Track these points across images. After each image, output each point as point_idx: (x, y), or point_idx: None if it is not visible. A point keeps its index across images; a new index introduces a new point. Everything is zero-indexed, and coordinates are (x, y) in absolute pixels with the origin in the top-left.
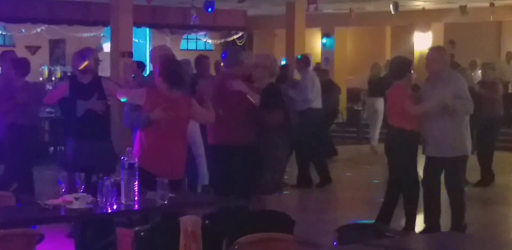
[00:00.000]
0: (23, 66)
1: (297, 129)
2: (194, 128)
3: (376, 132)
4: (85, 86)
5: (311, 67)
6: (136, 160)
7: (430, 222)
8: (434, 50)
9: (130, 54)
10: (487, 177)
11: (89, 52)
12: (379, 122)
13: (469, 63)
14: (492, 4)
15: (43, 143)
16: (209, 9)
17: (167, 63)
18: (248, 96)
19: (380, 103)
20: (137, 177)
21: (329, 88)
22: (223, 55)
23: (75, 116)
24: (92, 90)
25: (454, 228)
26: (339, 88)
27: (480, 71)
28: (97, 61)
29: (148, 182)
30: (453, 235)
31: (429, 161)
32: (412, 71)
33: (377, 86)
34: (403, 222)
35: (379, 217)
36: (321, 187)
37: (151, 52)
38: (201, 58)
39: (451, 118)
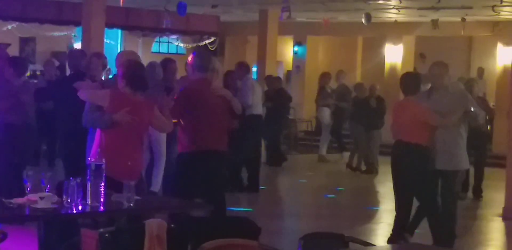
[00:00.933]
0: (21, 65)
1: (236, 134)
2: (161, 138)
3: (327, 142)
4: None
5: (250, 75)
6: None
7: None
8: (439, 66)
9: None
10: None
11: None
12: (328, 132)
13: (477, 71)
14: (463, 19)
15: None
16: (181, 13)
17: (131, 67)
18: (232, 103)
19: (327, 113)
20: (103, 179)
21: (279, 96)
22: (193, 60)
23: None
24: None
25: (445, 240)
26: (290, 97)
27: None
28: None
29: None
30: (420, 247)
31: (433, 175)
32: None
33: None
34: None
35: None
36: (249, 193)
37: (118, 56)
38: (167, 62)
39: (450, 131)
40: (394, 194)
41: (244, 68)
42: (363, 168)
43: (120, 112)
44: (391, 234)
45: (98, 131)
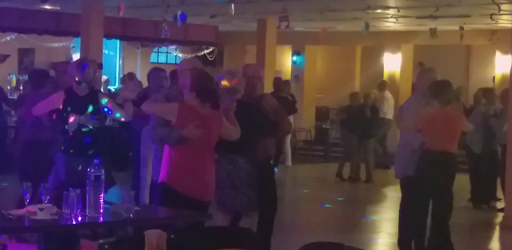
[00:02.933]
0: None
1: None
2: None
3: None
4: (81, 98)
5: None
6: (164, 177)
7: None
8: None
9: (100, 66)
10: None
11: (88, 62)
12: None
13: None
14: (461, 28)
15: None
16: (181, 22)
17: (200, 78)
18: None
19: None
20: (103, 189)
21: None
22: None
23: (66, 131)
24: (87, 104)
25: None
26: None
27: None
28: (96, 73)
29: (176, 201)
30: None
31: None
32: None
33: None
34: None
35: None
36: None
37: (179, 65)
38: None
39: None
40: (414, 206)
41: None
42: (363, 177)
43: (189, 127)
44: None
45: (166, 146)
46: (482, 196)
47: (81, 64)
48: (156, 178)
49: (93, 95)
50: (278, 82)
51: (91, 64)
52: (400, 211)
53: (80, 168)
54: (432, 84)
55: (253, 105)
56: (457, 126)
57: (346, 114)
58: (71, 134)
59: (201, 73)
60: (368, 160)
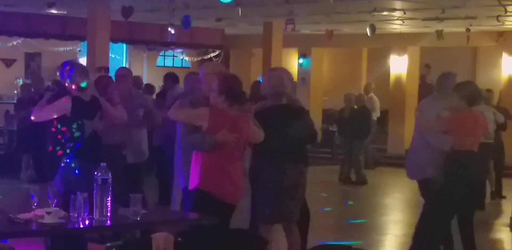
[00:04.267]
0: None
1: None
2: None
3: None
4: (87, 104)
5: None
6: (198, 183)
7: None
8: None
9: (106, 70)
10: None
11: (87, 67)
12: None
13: None
14: (468, 29)
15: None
16: (186, 26)
17: (228, 80)
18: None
19: None
20: (110, 193)
21: None
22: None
23: (78, 138)
24: (94, 109)
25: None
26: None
27: None
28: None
29: (211, 206)
30: None
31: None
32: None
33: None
34: None
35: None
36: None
37: (202, 69)
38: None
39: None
40: (439, 210)
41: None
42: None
43: (222, 132)
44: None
45: (196, 152)
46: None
47: (84, 69)
48: (184, 184)
49: (96, 100)
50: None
51: (85, 67)
52: (426, 216)
53: (89, 174)
54: (460, 85)
55: (296, 109)
56: (481, 126)
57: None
58: (82, 140)
59: (229, 76)
60: (355, 161)
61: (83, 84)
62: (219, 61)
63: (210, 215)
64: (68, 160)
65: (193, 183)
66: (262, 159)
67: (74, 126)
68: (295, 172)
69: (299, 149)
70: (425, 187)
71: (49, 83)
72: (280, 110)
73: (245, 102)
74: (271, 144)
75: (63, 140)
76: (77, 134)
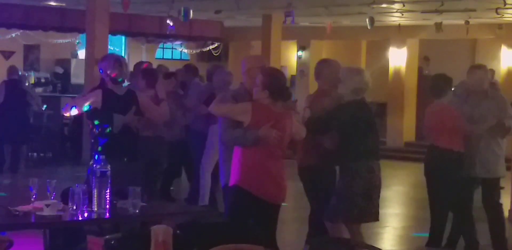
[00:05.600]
0: (153, 76)
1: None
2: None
3: None
4: (120, 98)
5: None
6: (237, 180)
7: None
8: (481, 69)
9: None
10: None
11: (123, 59)
12: None
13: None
14: (467, 22)
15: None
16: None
17: (274, 75)
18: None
19: None
20: (109, 185)
21: None
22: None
23: (108, 132)
24: (128, 103)
25: (496, 245)
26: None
27: None
28: (128, 71)
29: (250, 204)
30: None
31: (468, 181)
32: (452, 89)
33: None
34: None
35: (431, 239)
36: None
37: (244, 63)
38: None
39: (492, 139)
40: (429, 201)
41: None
42: None
43: (265, 127)
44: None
45: (237, 147)
46: None
47: (118, 60)
48: (225, 180)
49: (132, 94)
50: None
51: (124, 60)
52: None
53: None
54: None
55: (369, 105)
56: (440, 120)
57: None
58: (110, 135)
59: (273, 70)
60: None
61: (119, 79)
62: (218, 53)
63: (247, 213)
64: (97, 156)
65: (232, 179)
66: (348, 157)
67: (104, 120)
68: (379, 168)
69: (378, 145)
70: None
71: (26, 73)
72: (363, 107)
73: (289, 98)
74: (360, 142)
75: (96, 134)
76: (109, 129)
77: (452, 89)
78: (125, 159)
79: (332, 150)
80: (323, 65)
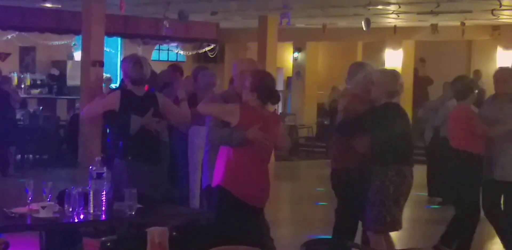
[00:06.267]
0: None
1: None
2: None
3: None
4: (139, 99)
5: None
6: (221, 180)
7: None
8: (505, 71)
9: (101, 64)
10: None
11: (145, 59)
12: None
13: (473, 74)
14: (462, 23)
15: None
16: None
17: (262, 78)
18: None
19: None
20: (105, 187)
21: None
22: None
23: (126, 134)
24: (147, 105)
25: None
26: None
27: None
28: (149, 72)
29: (231, 206)
30: None
31: (491, 185)
32: (476, 91)
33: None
34: None
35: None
36: None
37: (236, 66)
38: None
39: (505, 141)
40: (455, 205)
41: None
42: None
43: (252, 129)
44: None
45: (223, 148)
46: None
47: (138, 61)
48: (208, 181)
49: (152, 96)
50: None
51: (145, 61)
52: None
53: (141, 176)
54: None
55: (403, 108)
56: (459, 122)
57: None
58: (130, 136)
59: (263, 73)
60: None
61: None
62: (214, 55)
63: (231, 214)
64: (116, 159)
65: (216, 179)
66: (379, 161)
67: (121, 122)
68: (411, 174)
69: (412, 150)
70: None
71: (8, 74)
72: (398, 110)
73: (277, 101)
74: (392, 145)
75: (114, 137)
76: (126, 131)
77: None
78: (151, 161)
79: (364, 153)
80: (357, 68)
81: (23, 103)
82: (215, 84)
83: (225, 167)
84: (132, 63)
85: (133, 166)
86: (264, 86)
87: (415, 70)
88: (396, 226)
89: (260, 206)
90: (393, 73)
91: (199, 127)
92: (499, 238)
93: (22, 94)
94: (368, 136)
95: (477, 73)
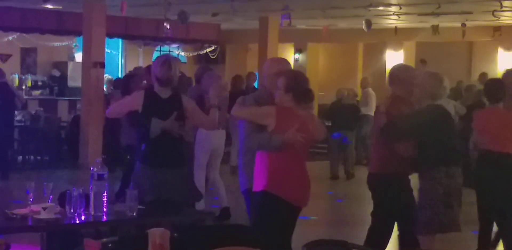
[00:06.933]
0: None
1: None
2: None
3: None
4: (163, 101)
5: None
6: (265, 185)
7: None
8: None
9: (102, 65)
10: None
11: (175, 60)
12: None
13: (479, 76)
14: (463, 24)
15: (12, 151)
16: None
17: (297, 78)
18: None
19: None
20: (106, 188)
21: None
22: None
23: (147, 138)
24: (171, 108)
25: None
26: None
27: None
28: (177, 74)
29: (280, 209)
30: None
31: None
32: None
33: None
34: None
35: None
36: None
37: (267, 66)
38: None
39: None
40: (478, 208)
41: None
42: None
43: (291, 131)
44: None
45: (261, 152)
46: None
47: (166, 61)
48: (247, 184)
49: (177, 98)
50: (240, 81)
51: (175, 62)
52: None
53: (164, 181)
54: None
55: (447, 110)
56: (499, 124)
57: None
58: (152, 139)
59: (296, 73)
60: (346, 157)
61: (162, 76)
62: (215, 56)
63: (278, 218)
64: (138, 162)
65: (259, 185)
66: (427, 164)
67: (142, 124)
68: (459, 174)
69: (458, 149)
70: None
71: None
72: (442, 112)
73: (311, 100)
74: (439, 147)
75: (139, 139)
76: (147, 134)
77: None
78: (173, 166)
79: (407, 157)
80: (399, 70)
81: (24, 104)
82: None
83: (267, 172)
84: (160, 63)
85: (154, 171)
86: (299, 86)
87: None
88: (451, 228)
89: (303, 206)
90: (437, 75)
91: (207, 133)
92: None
93: (23, 95)
94: (412, 140)
95: (484, 75)
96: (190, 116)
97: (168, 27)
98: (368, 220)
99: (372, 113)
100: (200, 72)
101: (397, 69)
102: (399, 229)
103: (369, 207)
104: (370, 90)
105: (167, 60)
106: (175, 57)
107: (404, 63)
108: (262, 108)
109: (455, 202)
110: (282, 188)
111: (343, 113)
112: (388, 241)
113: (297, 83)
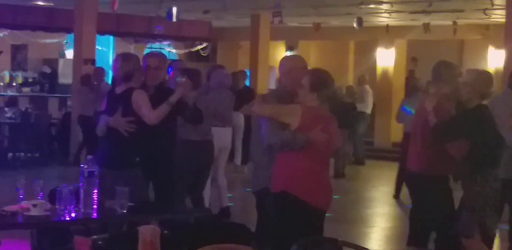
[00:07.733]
0: (196, 76)
1: None
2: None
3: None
4: (115, 97)
5: None
6: (285, 185)
7: None
8: None
9: (93, 62)
10: None
11: (126, 56)
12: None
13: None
14: (455, 23)
15: (2, 148)
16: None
17: (322, 78)
18: None
19: (241, 118)
20: (97, 185)
21: (246, 94)
22: None
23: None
24: (118, 103)
25: None
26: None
27: None
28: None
29: (299, 211)
30: None
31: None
32: None
33: None
34: None
35: None
36: None
37: (285, 63)
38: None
39: None
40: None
41: None
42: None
43: (316, 131)
44: None
45: (282, 153)
46: None
47: (117, 57)
48: (263, 184)
49: (128, 93)
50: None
51: (127, 57)
52: None
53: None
54: None
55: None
56: None
57: None
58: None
59: (322, 72)
60: (338, 157)
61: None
62: (206, 54)
63: (295, 219)
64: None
65: (278, 185)
66: (478, 165)
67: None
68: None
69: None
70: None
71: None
72: (489, 112)
73: (335, 100)
74: (490, 148)
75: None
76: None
77: None
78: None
79: (459, 158)
80: (443, 67)
81: (14, 101)
82: (226, 85)
83: (288, 172)
84: (114, 59)
85: (106, 173)
86: (324, 85)
87: (410, 72)
88: (495, 232)
89: (325, 208)
90: (488, 74)
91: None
92: None
93: (14, 92)
94: (463, 140)
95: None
96: (136, 109)
97: (159, 24)
98: (360, 218)
99: (368, 111)
100: (211, 70)
101: (438, 66)
102: (436, 231)
103: (362, 204)
104: (367, 87)
105: (117, 57)
106: (131, 53)
107: (446, 60)
108: (286, 106)
109: (499, 206)
110: (303, 189)
111: (339, 112)
112: (427, 243)
113: (322, 83)
